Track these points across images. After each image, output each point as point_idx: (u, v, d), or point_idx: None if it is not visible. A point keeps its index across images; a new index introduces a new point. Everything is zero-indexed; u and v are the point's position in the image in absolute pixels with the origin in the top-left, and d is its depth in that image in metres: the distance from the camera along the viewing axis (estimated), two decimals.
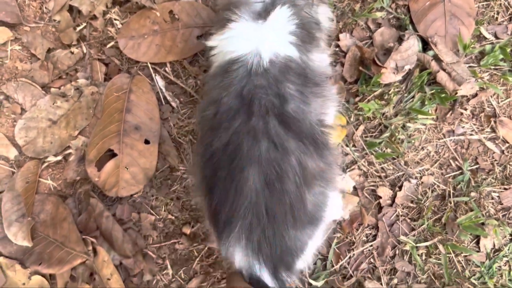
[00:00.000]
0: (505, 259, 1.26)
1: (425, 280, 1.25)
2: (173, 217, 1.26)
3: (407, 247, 1.24)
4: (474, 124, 1.31)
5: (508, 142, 1.30)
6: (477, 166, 1.30)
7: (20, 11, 1.29)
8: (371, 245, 1.26)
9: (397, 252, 1.26)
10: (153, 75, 1.29)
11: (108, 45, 1.30)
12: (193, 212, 1.26)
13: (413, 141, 1.28)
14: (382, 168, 1.28)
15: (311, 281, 1.21)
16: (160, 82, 1.29)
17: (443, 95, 1.25)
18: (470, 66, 1.29)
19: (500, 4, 1.34)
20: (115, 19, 1.30)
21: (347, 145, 1.27)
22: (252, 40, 0.90)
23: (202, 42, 1.28)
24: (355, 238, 1.26)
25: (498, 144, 1.30)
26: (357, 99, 1.28)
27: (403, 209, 1.27)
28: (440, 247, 1.24)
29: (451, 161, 1.30)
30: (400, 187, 1.27)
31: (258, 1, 0.93)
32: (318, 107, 0.92)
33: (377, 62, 1.23)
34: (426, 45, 1.29)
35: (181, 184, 1.27)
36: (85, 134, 1.28)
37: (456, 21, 1.29)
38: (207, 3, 1.30)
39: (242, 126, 0.85)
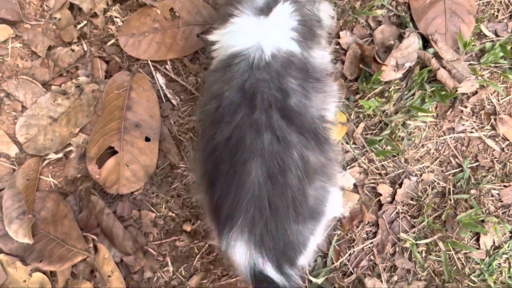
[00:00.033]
0: (505, 256, 1.27)
1: (425, 277, 1.26)
2: (173, 214, 1.27)
3: (407, 244, 1.25)
4: (474, 122, 1.31)
5: (508, 140, 1.30)
6: (477, 163, 1.30)
7: (21, 8, 1.29)
8: (371, 242, 1.26)
9: (397, 249, 1.26)
10: (154, 72, 1.30)
11: (109, 43, 1.30)
12: (193, 210, 1.27)
13: (413, 138, 1.29)
14: (382, 165, 1.28)
15: (311, 278, 1.21)
16: (160, 80, 1.30)
17: (443, 92, 1.25)
18: (470, 64, 1.30)
19: (501, 2, 1.34)
20: (116, 17, 1.31)
21: (347, 143, 1.28)
22: (254, 35, 0.90)
23: (203, 39, 1.28)
24: (355, 235, 1.26)
25: (498, 141, 1.31)
26: (358, 96, 1.28)
27: (403, 206, 1.28)
28: (440, 244, 1.24)
29: (451, 158, 1.30)
30: (400, 185, 1.27)
31: None
32: (319, 102, 0.92)
33: (378, 59, 1.23)
34: (426, 42, 1.29)
35: (182, 181, 1.27)
36: (85, 132, 1.29)
37: (456, 18, 1.29)
38: (207, 1, 1.31)
39: (244, 119, 0.85)
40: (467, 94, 1.29)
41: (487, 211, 1.28)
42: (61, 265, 1.20)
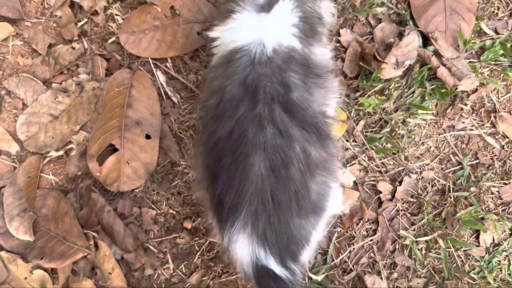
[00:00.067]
0: (504, 253, 1.27)
1: (425, 274, 1.26)
2: (174, 212, 1.27)
3: (407, 242, 1.25)
4: (474, 119, 1.31)
5: (508, 137, 1.30)
6: (477, 161, 1.30)
7: (22, 6, 1.29)
8: (371, 240, 1.26)
9: (397, 246, 1.26)
10: (154, 70, 1.30)
11: (109, 41, 1.31)
12: (194, 207, 1.27)
13: (413, 136, 1.29)
14: (382, 163, 1.29)
15: (311, 275, 1.21)
16: (161, 78, 1.30)
17: (443, 90, 1.26)
18: (470, 62, 1.30)
19: (500, 0, 1.34)
20: (116, 15, 1.31)
21: (347, 140, 1.28)
22: (255, 31, 0.90)
23: (203, 37, 1.28)
24: (355, 233, 1.26)
25: (498, 139, 1.31)
26: (358, 94, 1.28)
27: (403, 203, 1.28)
28: (440, 241, 1.25)
29: (451, 156, 1.30)
30: (400, 182, 1.28)
31: None
32: (320, 97, 0.93)
33: (378, 57, 1.23)
34: (426, 40, 1.29)
35: (182, 179, 1.28)
36: (86, 129, 1.29)
37: (456, 16, 1.29)
38: None
39: (246, 113, 0.85)
40: (467, 92, 1.30)
41: (487, 208, 1.28)
42: (62, 262, 1.21)
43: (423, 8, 1.30)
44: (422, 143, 1.30)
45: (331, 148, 0.92)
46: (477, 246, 1.27)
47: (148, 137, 1.25)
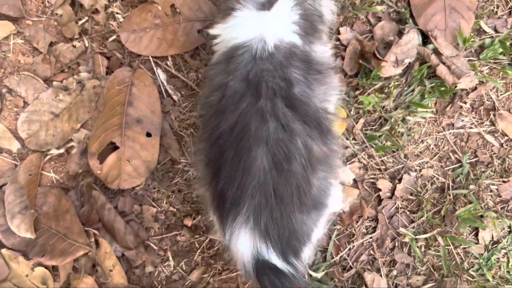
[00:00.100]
0: (503, 251, 1.28)
1: (424, 271, 1.27)
2: (174, 209, 1.28)
3: (407, 239, 1.26)
4: (474, 118, 1.32)
5: (507, 135, 1.31)
6: (476, 159, 1.31)
7: (22, 5, 1.30)
8: (371, 237, 1.27)
9: (396, 244, 1.27)
10: (155, 68, 1.30)
11: (110, 39, 1.31)
12: (194, 205, 1.28)
13: (412, 134, 1.29)
14: (382, 161, 1.29)
15: (311, 272, 1.22)
16: (161, 76, 1.30)
17: (443, 88, 1.26)
18: (469, 60, 1.30)
19: None
20: (117, 13, 1.31)
21: (347, 138, 1.28)
22: (256, 29, 0.91)
23: (203, 35, 1.28)
24: (355, 230, 1.27)
25: (497, 137, 1.31)
26: (357, 92, 1.29)
27: (402, 201, 1.28)
28: (439, 239, 1.25)
29: (450, 154, 1.31)
30: (400, 180, 1.28)
31: None
32: (321, 93, 0.93)
33: (377, 55, 1.23)
34: (426, 38, 1.30)
35: (183, 176, 1.28)
36: (87, 127, 1.29)
37: (456, 15, 1.30)
38: None
39: (249, 107, 0.86)
40: (466, 90, 1.30)
41: (486, 206, 1.28)
42: (63, 259, 1.21)
43: (422, 6, 1.30)
44: (422, 141, 1.30)
45: (332, 144, 0.93)
46: (476, 243, 1.27)
47: (148, 135, 1.25)
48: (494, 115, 1.31)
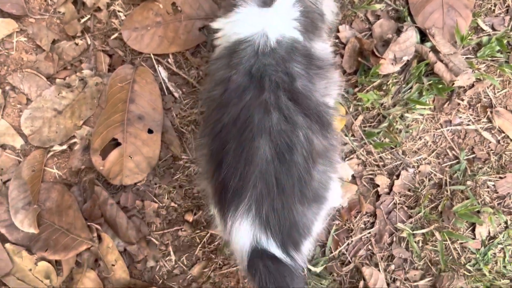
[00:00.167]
0: (500, 246, 1.29)
1: (422, 266, 1.28)
2: (176, 205, 1.29)
3: (404, 234, 1.27)
4: (471, 115, 1.33)
5: (504, 132, 1.32)
6: (473, 155, 1.32)
7: (25, 3, 1.31)
8: (369, 232, 1.29)
9: (394, 239, 1.29)
10: (156, 66, 1.32)
11: (112, 37, 1.33)
12: (195, 200, 1.29)
13: (411, 131, 1.31)
14: (380, 157, 1.31)
15: (310, 266, 1.24)
16: (163, 73, 1.32)
17: (441, 85, 1.27)
18: (467, 57, 1.32)
19: None
20: (119, 11, 1.33)
21: (346, 135, 1.30)
22: (258, 25, 0.93)
23: (204, 33, 1.30)
24: (353, 225, 1.29)
25: (494, 134, 1.33)
26: (356, 89, 1.30)
27: (400, 197, 1.30)
28: (437, 234, 1.27)
29: (448, 150, 1.32)
30: (398, 176, 1.30)
31: None
32: (322, 88, 0.95)
33: (376, 53, 1.25)
34: (424, 36, 1.31)
35: (184, 172, 1.30)
36: (89, 124, 1.31)
37: (453, 13, 1.31)
38: None
39: (252, 100, 0.87)
40: (464, 87, 1.32)
41: (483, 202, 1.30)
42: (66, 254, 1.23)
43: (421, 4, 1.31)
44: (420, 138, 1.32)
45: (332, 138, 0.94)
46: (473, 239, 1.29)
47: (150, 131, 1.27)
48: (491, 112, 1.32)
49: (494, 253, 1.29)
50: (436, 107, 1.32)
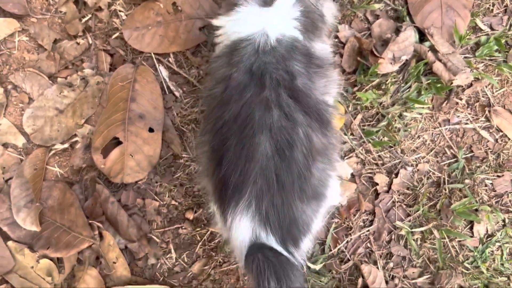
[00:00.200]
0: (497, 244, 1.30)
1: (420, 264, 1.29)
2: (176, 203, 1.30)
3: (403, 232, 1.28)
4: (469, 114, 1.34)
5: (502, 131, 1.33)
6: (471, 154, 1.33)
7: (27, 2, 1.32)
8: (368, 230, 1.30)
9: (393, 237, 1.30)
10: (157, 65, 1.33)
11: (113, 36, 1.34)
12: (196, 198, 1.30)
13: (409, 129, 1.32)
14: (379, 156, 1.32)
15: (309, 264, 1.25)
16: (163, 72, 1.33)
17: (439, 85, 1.28)
18: (465, 57, 1.33)
19: None
20: (120, 11, 1.34)
21: (345, 134, 1.31)
22: (258, 24, 0.94)
23: (204, 32, 1.31)
24: (352, 223, 1.30)
25: (492, 133, 1.34)
26: (355, 88, 1.31)
27: (399, 195, 1.31)
28: (435, 232, 1.28)
29: (446, 149, 1.33)
30: (397, 174, 1.31)
31: None
32: (322, 86, 0.96)
33: (375, 52, 1.26)
34: (422, 36, 1.32)
35: (184, 171, 1.31)
36: (91, 123, 1.32)
37: (452, 12, 1.32)
38: None
39: (253, 97, 0.88)
40: (462, 86, 1.33)
41: (481, 200, 1.31)
42: (68, 251, 1.24)
43: (419, 4, 1.32)
44: (418, 137, 1.33)
45: (331, 137, 0.95)
46: (471, 236, 1.30)
47: (151, 130, 1.28)
48: (489, 111, 1.33)
49: (492, 251, 1.30)
50: (435, 106, 1.33)
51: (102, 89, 1.32)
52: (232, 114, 0.89)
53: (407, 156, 1.32)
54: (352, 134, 1.32)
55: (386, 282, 1.27)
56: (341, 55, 1.32)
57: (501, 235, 1.30)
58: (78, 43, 1.33)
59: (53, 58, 1.32)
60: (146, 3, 1.32)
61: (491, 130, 1.34)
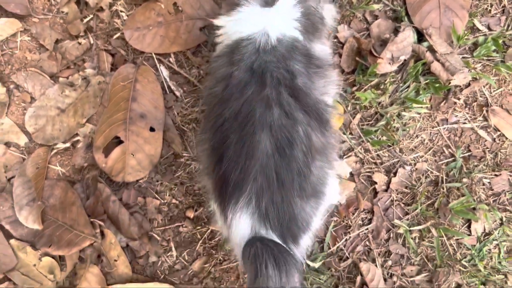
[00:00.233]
0: (495, 242, 1.31)
1: (418, 262, 1.31)
2: (177, 202, 1.31)
3: (401, 231, 1.30)
4: (467, 113, 1.35)
5: (499, 131, 1.34)
6: (469, 153, 1.34)
7: (29, 3, 1.33)
8: (367, 229, 1.31)
9: (391, 235, 1.31)
10: (158, 65, 1.34)
11: (115, 36, 1.35)
12: (196, 197, 1.31)
13: (408, 129, 1.33)
14: (377, 155, 1.33)
15: (309, 262, 1.26)
16: (164, 72, 1.34)
17: (437, 84, 1.29)
18: (463, 57, 1.34)
19: None
20: (121, 11, 1.34)
21: (344, 133, 1.32)
22: (259, 24, 0.95)
23: (205, 33, 1.32)
24: (351, 222, 1.31)
25: (490, 132, 1.35)
26: (354, 88, 1.32)
27: (397, 194, 1.32)
28: (433, 230, 1.29)
29: (444, 148, 1.35)
30: (395, 173, 1.32)
31: None
32: (321, 86, 0.97)
33: (374, 53, 1.27)
34: (421, 36, 1.33)
35: (185, 170, 1.32)
36: (92, 122, 1.33)
37: (450, 13, 1.33)
38: None
39: (254, 95, 0.89)
40: (460, 86, 1.34)
41: (479, 199, 1.32)
42: (69, 250, 1.25)
43: (418, 5, 1.33)
44: (416, 136, 1.34)
45: (330, 136, 0.97)
46: (469, 235, 1.31)
47: (152, 129, 1.29)
48: (487, 110, 1.34)
49: (489, 249, 1.32)
50: (433, 105, 1.34)
51: (104, 88, 1.33)
52: (233, 112, 0.90)
53: (405, 155, 1.33)
54: (351, 133, 1.33)
55: (385, 280, 1.29)
56: (340, 55, 1.33)
57: (498, 233, 1.31)
58: (79, 43, 1.34)
59: (55, 58, 1.33)
60: (147, 4, 1.32)
61: (488, 130, 1.35)
